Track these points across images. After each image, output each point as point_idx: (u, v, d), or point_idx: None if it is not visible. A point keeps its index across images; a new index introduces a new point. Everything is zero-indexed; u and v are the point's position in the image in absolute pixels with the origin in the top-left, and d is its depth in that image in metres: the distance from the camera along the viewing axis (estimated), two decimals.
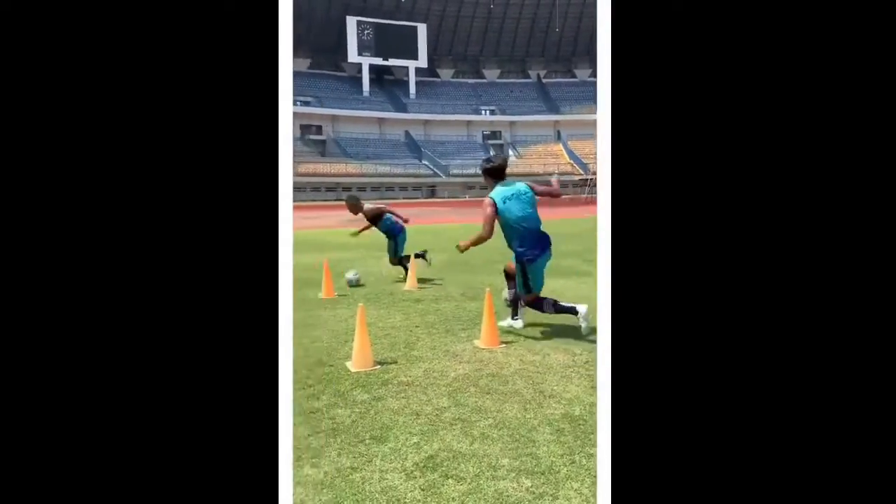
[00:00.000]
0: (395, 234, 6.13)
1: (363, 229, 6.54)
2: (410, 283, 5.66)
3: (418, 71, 47.10)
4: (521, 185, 3.69)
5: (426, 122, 45.60)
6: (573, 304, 3.66)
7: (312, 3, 43.24)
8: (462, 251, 3.75)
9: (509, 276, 3.87)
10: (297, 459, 2.03)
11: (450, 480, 1.85)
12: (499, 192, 3.62)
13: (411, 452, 2.06)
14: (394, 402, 2.57)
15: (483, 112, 47.40)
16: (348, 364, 3.14)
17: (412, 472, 1.92)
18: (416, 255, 6.24)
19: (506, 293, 3.96)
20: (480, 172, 3.86)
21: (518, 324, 3.85)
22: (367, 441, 2.17)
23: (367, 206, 6.13)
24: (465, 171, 41.08)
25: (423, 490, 1.80)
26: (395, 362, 3.19)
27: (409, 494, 1.78)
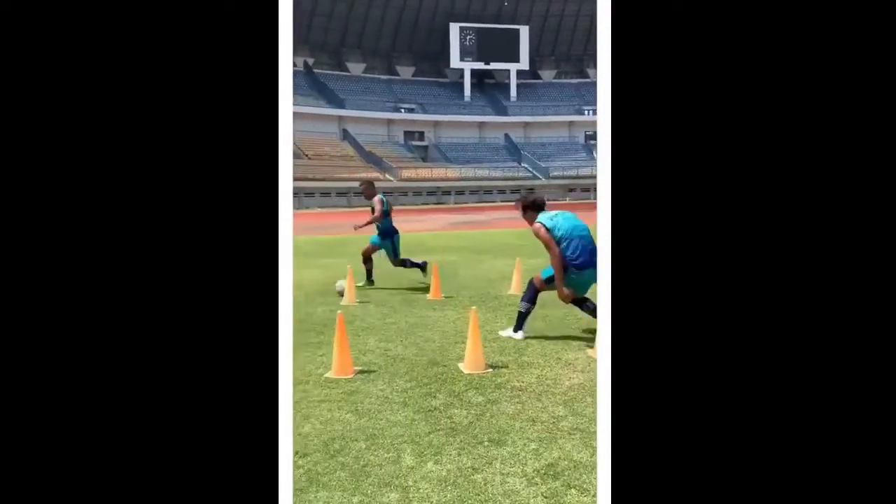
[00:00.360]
0: (390, 235, 6.05)
1: (368, 223, 6.32)
2: (515, 286, 5.65)
3: (520, 73, 46.87)
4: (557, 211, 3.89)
5: (526, 124, 45.21)
6: None
7: (419, 14, 44.77)
8: (568, 300, 3.70)
9: (533, 286, 3.81)
10: (419, 455, 2.12)
11: (573, 490, 1.83)
12: (543, 216, 3.77)
13: (531, 458, 2.07)
14: (509, 407, 2.59)
15: (586, 112, 45.92)
16: (461, 365, 3.22)
17: (533, 478, 1.93)
18: (412, 265, 6.11)
19: (522, 305, 3.85)
20: (519, 208, 3.96)
21: (518, 335, 3.79)
22: (486, 443, 2.21)
23: (379, 203, 5.91)
24: (565, 173, 40.16)
25: (545, 497, 1.80)
26: (507, 367, 3.21)
27: (532, 501, 1.78)
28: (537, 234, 3.70)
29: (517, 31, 45.95)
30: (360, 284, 5.90)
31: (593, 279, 3.66)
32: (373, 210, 6.02)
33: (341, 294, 5.49)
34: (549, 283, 3.75)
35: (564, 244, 3.63)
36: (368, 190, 6.10)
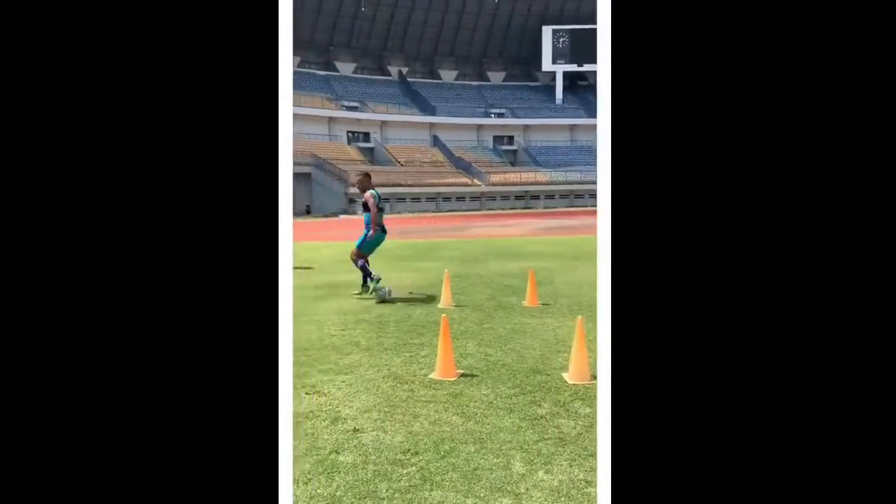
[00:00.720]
0: (380, 230, 5.69)
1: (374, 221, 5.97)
2: None
3: None
4: None
5: None
6: None
7: (511, 19, 44.77)
8: None
9: None
10: (529, 463, 2.11)
11: None
12: None
13: None
14: None
15: None
16: (564, 375, 3.16)
17: None
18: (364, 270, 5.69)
19: None
20: None
21: None
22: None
23: (371, 197, 5.55)
24: None
25: None
26: None
27: None
28: None
29: None
30: (356, 292, 5.75)
31: None
32: (365, 205, 5.62)
33: (382, 299, 5.37)
34: None
35: None
36: (363, 182, 5.71)
